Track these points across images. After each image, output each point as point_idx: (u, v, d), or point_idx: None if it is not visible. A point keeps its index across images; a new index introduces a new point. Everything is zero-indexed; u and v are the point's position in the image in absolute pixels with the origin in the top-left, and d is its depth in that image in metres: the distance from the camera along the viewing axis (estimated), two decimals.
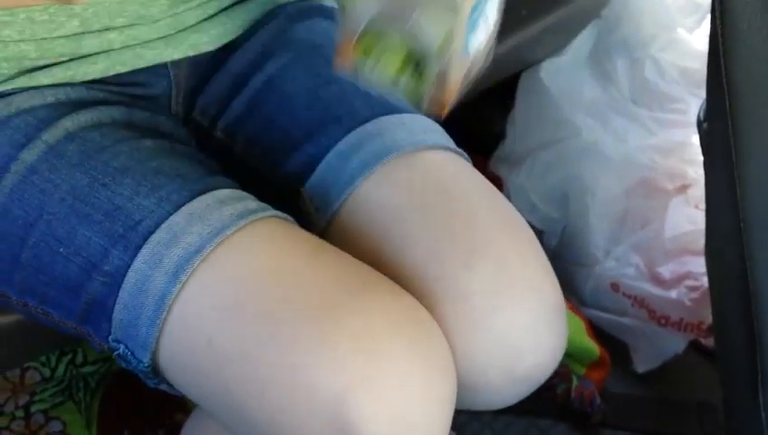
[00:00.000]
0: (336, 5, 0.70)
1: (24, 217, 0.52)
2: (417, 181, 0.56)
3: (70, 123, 0.54)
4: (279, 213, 0.52)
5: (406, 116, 0.59)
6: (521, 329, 0.52)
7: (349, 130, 0.58)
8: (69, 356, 0.86)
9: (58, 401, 0.85)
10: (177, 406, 0.87)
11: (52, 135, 0.53)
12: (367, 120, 0.58)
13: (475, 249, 0.53)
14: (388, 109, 0.59)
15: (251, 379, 0.46)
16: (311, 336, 0.45)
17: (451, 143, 0.59)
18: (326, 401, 0.44)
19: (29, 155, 0.52)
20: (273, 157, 0.60)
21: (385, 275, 0.51)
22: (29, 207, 0.51)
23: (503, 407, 0.57)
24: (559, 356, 0.55)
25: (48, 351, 0.84)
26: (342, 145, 0.57)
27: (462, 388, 0.52)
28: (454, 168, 0.58)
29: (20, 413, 0.84)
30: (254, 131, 0.62)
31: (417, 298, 0.51)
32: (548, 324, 0.53)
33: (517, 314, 0.52)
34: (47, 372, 0.85)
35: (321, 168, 0.57)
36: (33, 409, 0.84)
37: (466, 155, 0.60)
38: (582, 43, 1.07)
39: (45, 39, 0.54)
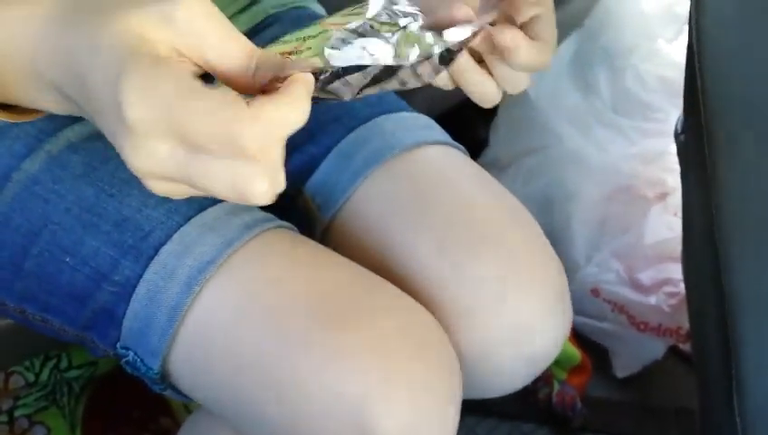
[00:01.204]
0: (325, 13, 0.71)
1: (27, 226, 0.51)
2: (420, 175, 0.57)
3: (71, 134, 0.53)
4: (285, 223, 0.53)
5: (405, 114, 0.60)
6: (529, 313, 0.53)
7: (350, 130, 0.58)
8: (53, 361, 0.85)
9: (42, 405, 0.85)
10: (162, 411, 0.87)
11: (54, 145, 0.52)
12: (367, 119, 0.59)
13: (480, 238, 0.54)
14: (388, 108, 0.60)
15: (268, 385, 0.47)
16: (325, 343, 0.46)
17: (449, 139, 0.61)
18: (345, 405, 0.45)
19: (31, 165, 0.52)
20: None
21: (391, 268, 0.53)
22: (32, 217, 0.51)
23: (511, 391, 0.58)
24: (565, 335, 0.56)
25: (32, 355, 0.84)
26: (344, 144, 0.58)
27: (472, 375, 0.53)
28: (455, 161, 0.59)
29: (3, 418, 0.84)
30: None
31: (426, 289, 0.52)
32: (554, 306, 0.54)
33: (525, 298, 0.53)
34: (31, 377, 0.85)
35: (322, 167, 0.58)
36: (16, 413, 0.84)
37: (465, 150, 0.61)
38: (564, 51, 1.08)
39: None
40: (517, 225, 0.56)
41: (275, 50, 0.39)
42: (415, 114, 0.61)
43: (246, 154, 0.32)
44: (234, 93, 0.32)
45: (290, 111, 0.32)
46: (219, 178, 0.32)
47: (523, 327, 0.53)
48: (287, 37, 0.40)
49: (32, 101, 0.39)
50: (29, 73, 0.37)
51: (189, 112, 0.31)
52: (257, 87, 0.34)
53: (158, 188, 0.34)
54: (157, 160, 0.33)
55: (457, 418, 0.50)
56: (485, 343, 0.53)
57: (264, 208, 0.53)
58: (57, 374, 0.85)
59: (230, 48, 0.33)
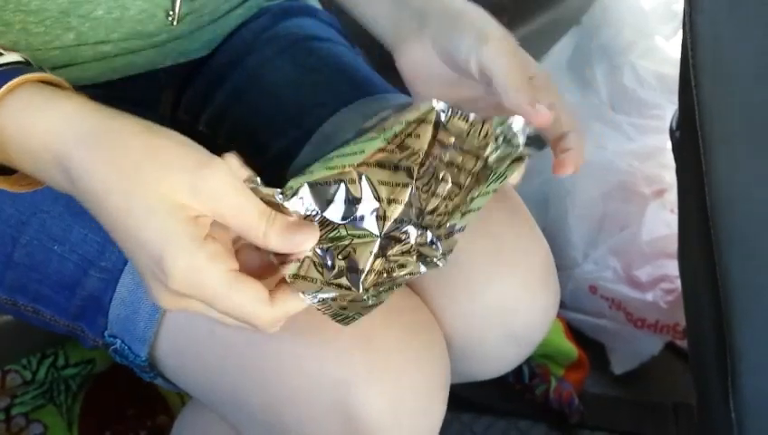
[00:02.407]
0: (319, 5, 0.70)
1: (17, 216, 0.52)
2: None
3: None
4: None
5: (388, 96, 0.60)
6: (514, 291, 0.53)
7: (333, 112, 0.58)
8: (50, 359, 0.85)
9: (39, 403, 0.85)
10: (158, 408, 0.87)
11: None
12: (350, 101, 0.58)
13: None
14: (373, 90, 0.59)
15: (254, 369, 0.47)
16: (312, 328, 0.46)
17: None
18: (330, 390, 0.45)
19: None
20: (257, 143, 0.60)
21: None
22: (21, 207, 0.51)
23: (499, 374, 0.57)
24: (553, 314, 0.55)
25: (29, 353, 0.84)
26: (327, 126, 0.58)
27: (461, 358, 0.53)
28: None
29: (0, 416, 0.84)
30: (237, 121, 0.62)
31: None
32: (539, 284, 0.54)
33: (508, 276, 0.53)
34: (28, 375, 0.85)
35: (306, 149, 0.58)
36: (13, 411, 0.84)
37: None
38: (562, 49, 1.08)
39: (40, 50, 0.54)
40: (502, 202, 0.55)
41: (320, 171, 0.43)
42: (399, 95, 0.60)
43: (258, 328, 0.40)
44: (262, 293, 0.39)
45: (298, 307, 0.41)
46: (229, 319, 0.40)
47: (507, 306, 0.53)
48: (337, 154, 0.43)
49: (38, 178, 0.42)
50: (49, 166, 0.40)
51: (225, 302, 0.38)
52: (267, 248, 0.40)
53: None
54: (178, 307, 0.40)
55: (445, 404, 0.49)
56: (469, 323, 0.53)
57: None
58: (54, 372, 0.86)
59: (246, 213, 0.39)
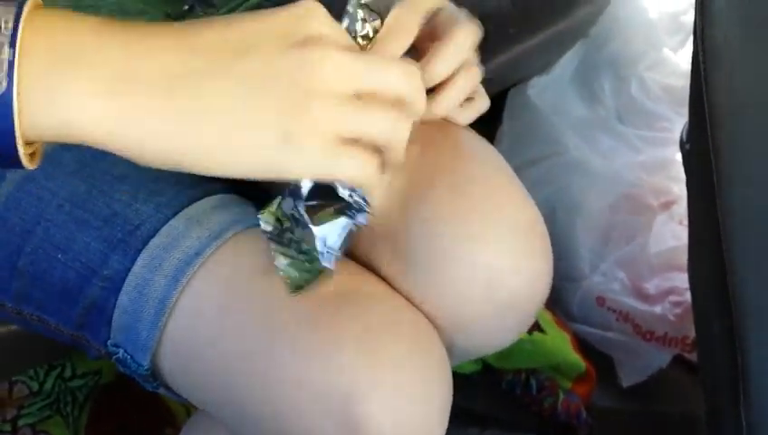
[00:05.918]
0: None
1: (21, 224, 0.52)
2: None
3: None
4: None
5: None
6: (489, 252, 0.48)
7: None
8: (57, 370, 0.85)
9: (46, 414, 0.85)
10: (164, 420, 0.87)
11: (47, 143, 0.53)
12: None
13: (429, 177, 0.50)
14: None
15: (256, 379, 0.47)
16: (315, 340, 0.46)
17: None
18: (334, 402, 0.45)
19: None
20: None
21: None
22: (26, 215, 0.52)
23: (496, 349, 0.53)
24: (541, 278, 0.50)
25: (36, 364, 0.84)
26: None
27: (451, 334, 0.50)
28: None
29: (7, 427, 0.84)
30: None
31: (378, 253, 0.50)
32: (519, 243, 0.49)
33: (481, 237, 0.49)
34: (35, 386, 0.85)
35: None
36: (20, 423, 0.84)
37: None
38: (570, 61, 1.09)
39: None
40: (474, 159, 0.51)
41: None
42: None
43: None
44: None
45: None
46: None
47: (485, 269, 0.48)
48: None
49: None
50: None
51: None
52: None
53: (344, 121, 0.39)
54: (343, 72, 0.39)
55: (446, 418, 0.49)
56: (451, 296, 0.49)
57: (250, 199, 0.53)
58: (61, 383, 0.86)
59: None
